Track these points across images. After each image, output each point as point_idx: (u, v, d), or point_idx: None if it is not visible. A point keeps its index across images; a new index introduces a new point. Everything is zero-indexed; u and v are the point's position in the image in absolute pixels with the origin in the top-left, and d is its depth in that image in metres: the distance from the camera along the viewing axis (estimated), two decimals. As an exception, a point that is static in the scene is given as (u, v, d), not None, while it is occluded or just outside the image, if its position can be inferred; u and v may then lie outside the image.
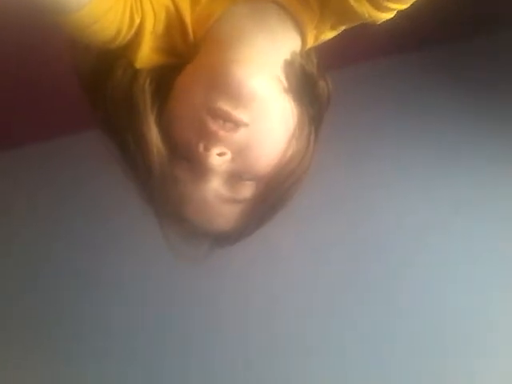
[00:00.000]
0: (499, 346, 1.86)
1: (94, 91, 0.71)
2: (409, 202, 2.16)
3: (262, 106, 0.66)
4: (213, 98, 0.65)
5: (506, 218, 2.13)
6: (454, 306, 1.91)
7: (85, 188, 2.13)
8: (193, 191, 0.69)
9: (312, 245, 2.03)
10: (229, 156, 0.67)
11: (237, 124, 0.65)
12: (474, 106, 2.37)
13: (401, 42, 2.27)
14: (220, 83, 0.65)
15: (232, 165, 0.68)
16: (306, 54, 0.74)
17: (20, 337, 1.90)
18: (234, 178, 0.69)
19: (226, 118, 0.65)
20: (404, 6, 0.71)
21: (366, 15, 0.70)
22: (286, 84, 0.70)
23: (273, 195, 0.72)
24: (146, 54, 0.69)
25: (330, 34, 0.75)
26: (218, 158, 0.66)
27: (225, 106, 0.64)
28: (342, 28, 0.75)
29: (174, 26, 0.69)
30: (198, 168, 0.67)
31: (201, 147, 0.66)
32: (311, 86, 0.73)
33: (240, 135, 0.66)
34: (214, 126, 0.65)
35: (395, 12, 0.72)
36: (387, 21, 0.73)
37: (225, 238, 0.76)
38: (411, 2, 0.70)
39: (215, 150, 0.66)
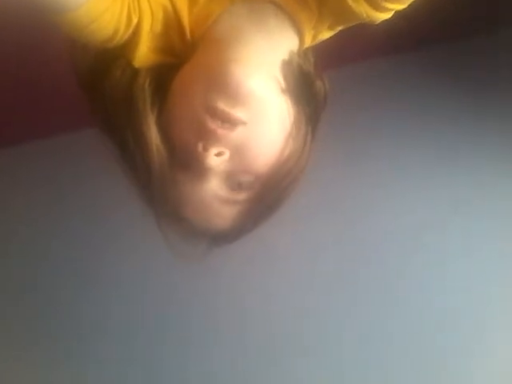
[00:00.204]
0: (498, 345, 1.86)
1: (93, 90, 0.72)
2: (407, 201, 2.16)
3: (259, 105, 0.67)
4: (211, 97, 0.65)
5: (505, 217, 2.13)
6: (453, 306, 1.91)
7: (84, 186, 2.13)
8: (191, 191, 0.70)
9: (309, 244, 2.03)
10: (227, 156, 0.67)
11: (235, 123, 0.66)
12: (473, 105, 2.37)
13: (399, 42, 2.27)
14: (218, 82, 0.65)
15: (230, 164, 0.68)
16: (303, 53, 0.74)
17: (19, 336, 1.90)
18: (232, 178, 0.70)
19: (224, 117, 0.65)
20: (402, 6, 0.71)
21: (364, 15, 0.70)
22: (283, 84, 0.70)
23: (270, 195, 0.73)
24: (144, 54, 0.69)
25: (327, 34, 0.75)
26: (217, 159, 0.66)
27: (223, 104, 0.65)
28: (340, 28, 0.75)
29: (172, 25, 0.70)
30: (197, 168, 0.68)
31: (200, 147, 0.66)
32: (308, 86, 0.74)
33: (238, 134, 0.66)
34: (212, 124, 0.65)
35: (393, 12, 0.72)
36: (385, 20, 0.73)
37: (222, 238, 0.77)
38: (409, 2, 0.71)
39: (214, 150, 0.66)
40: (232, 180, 0.70)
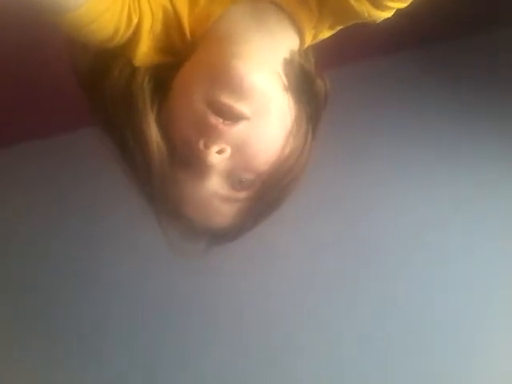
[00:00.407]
0: (499, 344, 1.86)
1: (93, 90, 0.72)
2: (408, 200, 2.16)
3: (263, 100, 0.67)
4: (214, 92, 0.65)
5: (506, 216, 2.13)
6: (454, 305, 1.91)
7: (84, 186, 2.13)
8: (192, 189, 0.70)
9: (309, 243, 2.03)
10: (228, 153, 0.67)
11: (238, 117, 0.65)
12: (474, 104, 2.37)
13: (400, 41, 2.27)
14: (221, 77, 0.65)
15: (231, 162, 0.68)
16: (303, 52, 0.74)
17: (19, 336, 1.90)
18: (233, 175, 0.70)
19: (227, 111, 0.65)
20: (404, 5, 0.71)
21: (366, 14, 0.70)
22: (285, 82, 0.70)
23: (270, 193, 0.73)
24: (144, 53, 0.69)
25: (327, 33, 0.76)
26: (218, 156, 0.66)
27: (227, 99, 0.65)
28: (340, 27, 0.75)
29: (172, 25, 0.70)
30: (198, 166, 0.68)
31: (201, 144, 0.66)
32: (309, 85, 0.74)
33: (239, 129, 0.66)
34: (214, 120, 0.65)
35: (394, 10, 0.72)
36: (386, 19, 0.73)
37: (223, 236, 0.77)
38: (411, 1, 0.71)
39: (215, 148, 0.66)
40: (233, 178, 0.70)
